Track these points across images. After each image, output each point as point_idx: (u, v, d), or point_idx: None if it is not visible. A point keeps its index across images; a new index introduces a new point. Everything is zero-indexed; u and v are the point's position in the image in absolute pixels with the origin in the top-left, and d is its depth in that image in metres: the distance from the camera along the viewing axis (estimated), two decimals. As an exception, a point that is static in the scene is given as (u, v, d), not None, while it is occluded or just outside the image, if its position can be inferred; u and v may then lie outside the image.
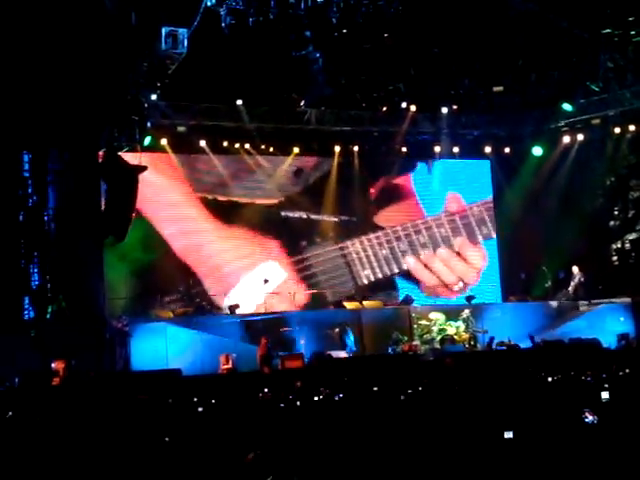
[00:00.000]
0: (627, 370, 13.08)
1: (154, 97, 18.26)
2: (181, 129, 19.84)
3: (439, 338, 19.41)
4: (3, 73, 15.27)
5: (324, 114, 20.82)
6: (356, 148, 21.85)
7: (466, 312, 19.85)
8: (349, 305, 19.88)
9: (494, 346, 18.52)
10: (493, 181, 23.62)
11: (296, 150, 21.35)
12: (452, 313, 19.92)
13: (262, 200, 21.23)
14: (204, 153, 20.48)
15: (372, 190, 22.54)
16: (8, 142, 17.29)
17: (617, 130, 21.56)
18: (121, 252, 19.18)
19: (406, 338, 19.10)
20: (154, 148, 19.69)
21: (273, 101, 19.92)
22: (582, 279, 20.92)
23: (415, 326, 19.59)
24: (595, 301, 20.71)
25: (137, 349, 17.12)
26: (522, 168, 22.99)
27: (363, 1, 16.68)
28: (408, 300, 20.93)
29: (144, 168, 18.81)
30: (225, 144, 20.59)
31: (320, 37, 17.36)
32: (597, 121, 21.59)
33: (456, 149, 22.69)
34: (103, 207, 18.93)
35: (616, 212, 22.75)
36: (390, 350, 18.55)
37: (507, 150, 23.12)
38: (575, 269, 21.09)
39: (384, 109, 20.79)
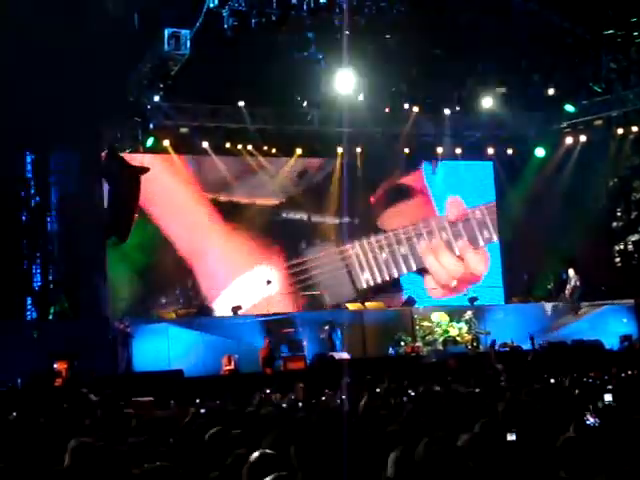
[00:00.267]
0: (630, 372, 13.06)
1: (157, 98, 18.27)
2: (184, 130, 19.82)
3: (441, 340, 19.41)
4: (6, 73, 15.26)
5: (327, 115, 20.78)
6: (359, 149, 21.85)
7: (469, 313, 19.85)
8: (351, 306, 19.86)
9: (497, 347, 18.51)
10: (496, 182, 23.58)
11: (299, 151, 21.36)
12: (455, 314, 19.92)
13: (263, 201, 21.21)
14: (207, 154, 20.49)
15: (377, 191, 22.44)
16: (11, 142, 17.28)
17: (620, 131, 21.54)
18: (123, 253, 19.20)
19: (410, 339, 19.11)
20: (157, 149, 19.74)
21: (276, 102, 19.91)
22: (578, 282, 20.69)
23: (417, 327, 19.59)
24: (598, 302, 20.70)
25: (139, 350, 17.13)
26: (525, 169, 22.99)
27: (366, 2, 16.70)
28: (410, 301, 20.91)
29: (146, 169, 18.91)
30: (228, 145, 20.57)
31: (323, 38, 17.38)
32: (600, 122, 21.57)
33: (458, 150, 22.68)
34: (106, 208, 19.06)
35: (619, 213, 22.74)
36: (391, 350, 18.54)
37: (510, 151, 23.11)
38: (571, 272, 20.90)
39: (387, 110, 20.77)
